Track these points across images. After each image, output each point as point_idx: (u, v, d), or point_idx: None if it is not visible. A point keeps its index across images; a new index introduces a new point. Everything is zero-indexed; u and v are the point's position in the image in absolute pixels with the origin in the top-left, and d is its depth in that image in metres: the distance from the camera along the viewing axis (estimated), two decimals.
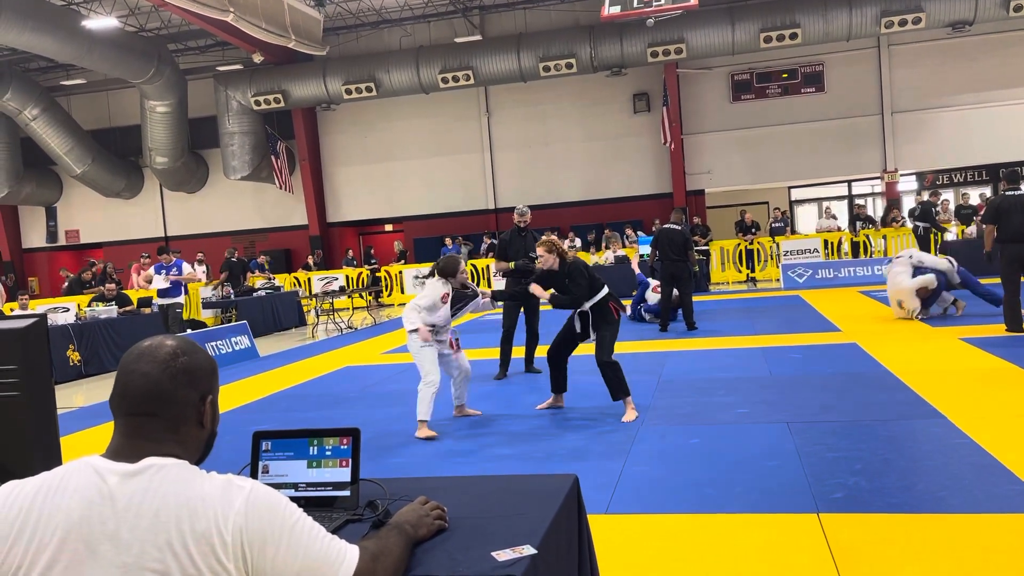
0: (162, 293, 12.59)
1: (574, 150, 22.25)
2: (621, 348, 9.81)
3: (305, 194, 23.21)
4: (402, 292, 20.24)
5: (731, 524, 3.88)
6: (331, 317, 14.65)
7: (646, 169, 22.05)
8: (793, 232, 19.95)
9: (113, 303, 12.19)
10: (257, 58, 19.87)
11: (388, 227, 24.32)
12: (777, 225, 19.19)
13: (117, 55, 18.54)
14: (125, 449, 1.47)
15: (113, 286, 12.58)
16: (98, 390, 10.05)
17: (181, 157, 22.15)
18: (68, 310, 12.78)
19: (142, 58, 19.34)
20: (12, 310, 12.02)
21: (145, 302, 12.67)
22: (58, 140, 21.78)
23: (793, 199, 23.60)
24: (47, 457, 2.31)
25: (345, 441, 2.17)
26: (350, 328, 14.61)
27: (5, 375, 2.22)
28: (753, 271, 18.54)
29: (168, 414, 1.52)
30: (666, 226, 11.23)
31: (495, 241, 21.26)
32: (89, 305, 12.42)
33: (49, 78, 22.53)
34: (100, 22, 17.08)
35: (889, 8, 17.99)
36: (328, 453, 2.17)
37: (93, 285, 15.54)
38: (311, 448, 2.18)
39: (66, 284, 16.99)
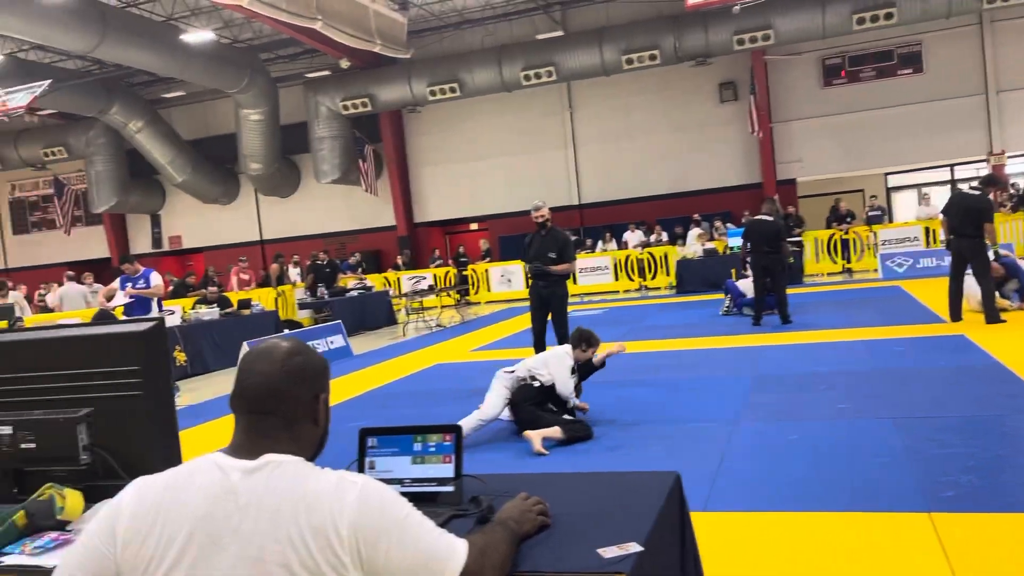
0: (128, 311, 10.05)
1: (659, 142, 21.96)
2: (714, 343, 9.69)
3: (392, 195, 23.65)
4: (488, 290, 20.40)
5: (837, 522, 3.76)
6: (420, 316, 14.89)
7: (734, 159, 21.57)
8: (891, 220, 19.15)
9: (215, 305, 12.70)
10: (344, 64, 20.35)
11: (473, 226, 24.53)
12: (874, 213, 18.48)
13: (213, 67, 19.29)
14: (245, 446, 1.54)
15: (215, 289, 13.09)
16: (202, 389, 10.48)
17: (274, 163, 22.88)
18: (173, 312, 13.33)
19: (236, 68, 20.07)
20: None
21: (245, 304, 13.11)
22: (161, 151, 22.84)
23: (890, 186, 22.67)
24: (167, 453, 2.42)
25: (448, 437, 2.21)
26: (439, 326, 14.82)
27: (128, 375, 2.34)
28: (849, 262, 17.91)
29: (284, 412, 1.58)
30: (757, 217, 10.95)
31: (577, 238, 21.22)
32: (193, 308, 12.96)
33: (151, 91, 23.62)
34: (197, 36, 17.80)
35: None
36: (432, 449, 2.21)
37: (196, 288, 16.22)
38: (415, 444, 2.22)
39: (171, 288, 17.79)
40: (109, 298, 10.71)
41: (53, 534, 2.21)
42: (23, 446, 2.38)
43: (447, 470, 2.17)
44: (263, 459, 1.50)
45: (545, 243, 7.68)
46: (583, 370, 6.06)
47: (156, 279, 10.11)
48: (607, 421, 6.06)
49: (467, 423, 5.78)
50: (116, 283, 10.44)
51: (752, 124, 20.29)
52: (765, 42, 18.75)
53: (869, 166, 20.97)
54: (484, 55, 20.70)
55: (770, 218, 10.71)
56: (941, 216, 9.77)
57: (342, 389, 8.96)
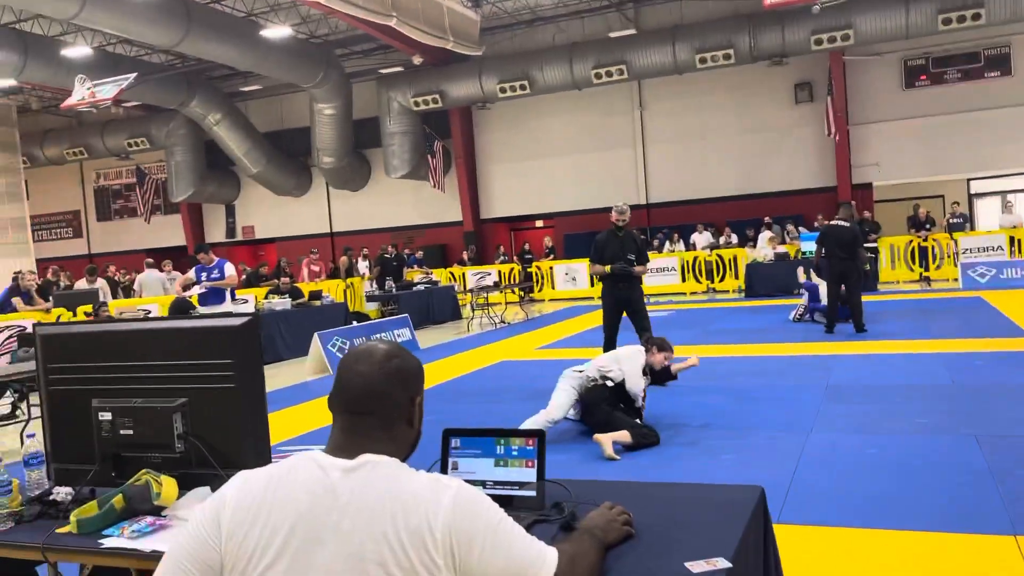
0: (203, 300, 10.36)
1: (730, 143, 21.60)
2: (784, 350, 9.50)
3: (460, 191, 23.82)
4: (552, 288, 20.39)
5: (918, 541, 3.66)
6: (485, 311, 14.97)
7: (808, 162, 21.09)
8: (973, 228, 18.46)
9: (287, 296, 12.99)
10: (417, 60, 20.56)
11: (539, 223, 24.55)
12: (956, 221, 17.84)
13: (290, 61, 19.72)
14: (344, 445, 1.57)
15: (287, 280, 13.38)
16: (275, 377, 10.72)
17: (345, 157, 23.28)
18: (247, 301, 13.67)
19: (312, 63, 20.48)
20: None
21: (315, 295, 13.37)
22: (237, 142, 23.46)
23: (973, 192, 21.86)
24: (258, 444, 2.49)
25: (531, 442, 2.22)
26: (503, 323, 14.87)
27: (223, 368, 2.41)
28: (927, 270, 17.34)
29: (382, 413, 1.61)
30: (833, 222, 10.68)
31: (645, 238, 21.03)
32: (266, 298, 13.28)
33: (229, 85, 24.25)
34: (275, 31, 18.21)
35: None
36: (515, 453, 2.22)
37: (269, 278, 16.62)
38: (498, 447, 2.24)
39: (244, 277, 18.27)
40: (186, 287, 10.96)
41: (149, 519, 2.30)
42: (122, 432, 2.47)
43: (530, 474, 2.19)
44: (361, 459, 1.53)
45: (624, 244, 7.66)
46: (654, 376, 5.99)
47: (230, 269, 10.34)
48: (675, 426, 6.00)
49: (533, 423, 5.78)
50: (192, 273, 10.70)
51: (828, 126, 19.80)
52: (845, 42, 18.27)
53: (951, 171, 20.26)
54: (555, 53, 20.67)
55: (846, 224, 10.44)
56: None
57: None
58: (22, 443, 5.41)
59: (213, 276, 10.02)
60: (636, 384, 5.73)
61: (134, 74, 18.25)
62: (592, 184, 22.75)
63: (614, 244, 7.62)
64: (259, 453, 2.44)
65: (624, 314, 7.91)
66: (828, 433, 5.62)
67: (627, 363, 5.79)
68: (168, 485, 2.35)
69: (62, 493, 2.53)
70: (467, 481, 2.18)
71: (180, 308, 10.61)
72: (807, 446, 5.31)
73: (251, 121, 24.36)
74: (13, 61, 17.42)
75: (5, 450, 6.75)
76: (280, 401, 8.48)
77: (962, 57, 19.66)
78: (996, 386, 6.77)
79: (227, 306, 10.05)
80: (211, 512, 1.54)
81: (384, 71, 22.63)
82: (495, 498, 2.13)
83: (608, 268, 7.57)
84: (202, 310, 10.10)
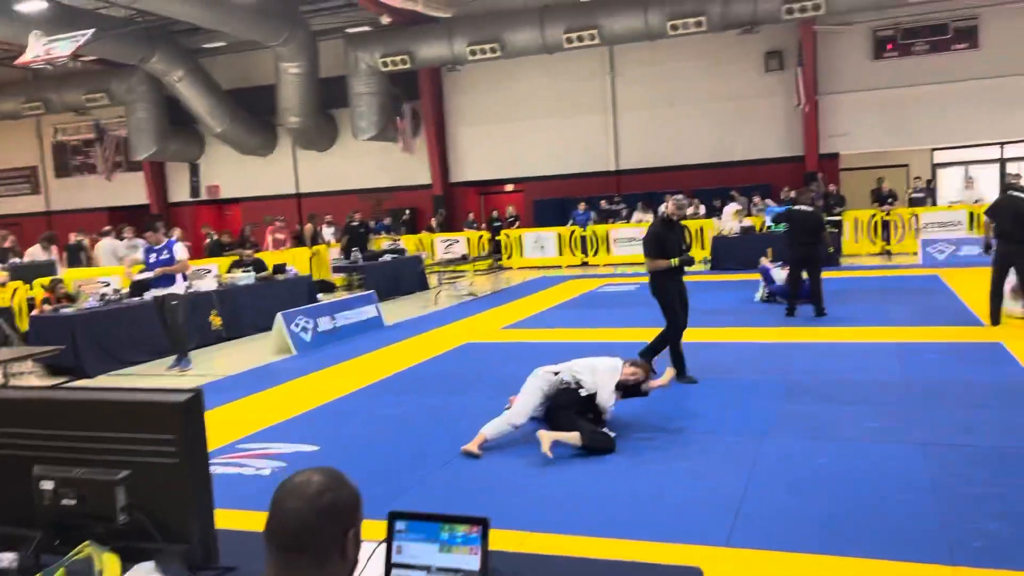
0: (153, 282, 9.78)
1: (700, 111, 21.55)
2: (748, 336, 9.63)
3: (429, 154, 23.57)
4: (521, 255, 20.38)
5: (859, 571, 3.77)
6: (452, 283, 14.96)
7: (776, 131, 21.13)
8: (935, 203, 18.70)
9: (251, 268, 12.85)
10: (385, 20, 20.10)
11: (509, 187, 24.42)
12: (917, 196, 18.06)
13: (254, 19, 19.20)
14: None
15: (250, 252, 13.22)
16: (238, 355, 10.69)
17: (312, 117, 22.87)
18: (210, 271, 13.52)
19: (277, 21, 19.97)
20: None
21: (280, 268, 13.25)
22: (200, 100, 22.91)
23: (936, 162, 22.09)
24: (202, 518, 2.48)
25: (475, 529, 2.23)
26: (471, 295, 14.88)
27: (166, 443, 2.39)
28: (889, 243, 17.59)
29: (315, 550, 1.61)
30: (797, 208, 10.76)
31: (613, 207, 21.06)
32: (229, 271, 13.14)
33: (193, 41, 23.56)
34: None
35: None
36: (458, 540, 2.24)
37: (232, 247, 16.42)
38: (443, 532, 2.25)
39: (207, 243, 18.03)
40: (131, 268, 10.62)
41: None
42: (64, 503, 2.45)
43: (473, 562, 2.20)
44: None
45: (680, 236, 7.83)
46: (626, 391, 5.99)
47: (181, 252, 9.74)
48: (633, 426, 6.07)
49: (496, 427, 5.82)
50: (140, 253, 10.24)
51: (798, 96, 19.81)
52: (816, 12, 18.17)
53: (916, 142, 20.45)
54: (526, 15, 20.34)
55: (810, 208, 10.53)
56: (986, 218, 9.52)
57: (372, 368, 9.08)
58: None
59: (163, 258, 9.53)
60: (607, 399, 5.78)
61: (92, 30, 17.63)
62: (563, 149, 22.63)
63: (672, 237, 7.66)
64: (203, 527, 2.44)
65: None
66: (781, 439, 5.73)
67: (603, 376, 5.82)
68: (111, 563, 2.34)
69: (7, 560, 2.51)
70: (412, 566, 2.22)
71: (137, 288, 10.46)
72: (760, 454, 5.41)
73: (215, 79, 23.77)
74: None
75: None
76: (241, 387, 8.46)
77: (930, 29, 19.69)
78: (946, 384, 6.92)
79: (178, 288, 9.76)
80: None
81: (351, 30, 22.13)
82: None
83: (675, 261, 7.52)
84: (154, 293, 9.82)
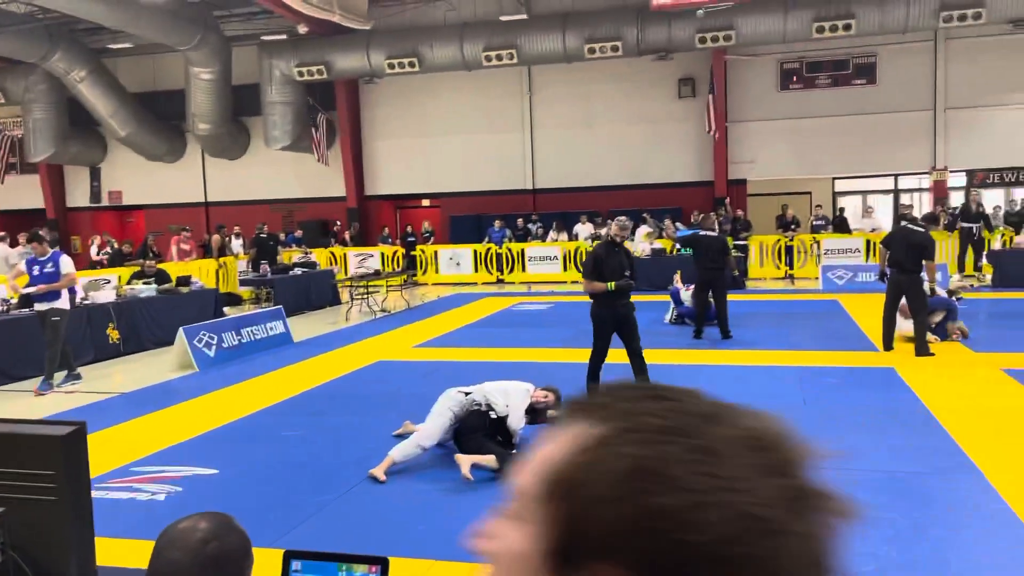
0: (36, 297, 9.11)
1: (616, 133, 21.97)
2: (656, 357, 9.79)
3: (344, 166, 23.25)
4: (436, 272, 20.29)
5: None
6: (365, 298, 14.74)
7: (688, 156, 21.74)
8: (836, 229, 19.55)
9: (152, 280, 12.37)
10: (301, 29, 19.81)
11: (425, 202, 24.31)
12: (818, 223, 18.85)
13: (164, 21, 18.61)
14: None
15: (153, 262, 12.73)
16: (136, 371, 10.25)
17: (223, 124, 22.28)
18: (109, 282, 12.96)
19: (189, 24, 19.40)
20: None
21: (184, 280, 12.80)
22: (104, 102, 22.03)
23: (837, 190, 23.13)
24: (82, 558, 2.35)
25: (374, 569, 2.18)
26: (384, 311, 14.70)
27: (46, 479, 2.26)
28: (792, 268, 18.27)
29: None
30: (703, 233, 11.07)
31: (531, 226, 21.22)
32: (129, 282, 12.61)
33: (97, 40, 22.67)
34: None
35: (949, 1, 17.40)
36: None
37: (133, 258, 15.77)
38: (340, 572, 2.19)
39: (107, 254, 17.29)
40: (18, 280, 9.93)
41: None
42: None
43: None
44: None
45: (622, 259, 7.28)
46: (534, 416, 5.92)
47: (67, 265, 9.05)
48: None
49: (404, 449, 5.74)
50: (23, 265, 9.55)
51: (709, 122, 20.44)
52: (727, 42, 18.84)
53: (818, 172, 21.37)
54: (446, 31, 20.37)
55: (714, 233, 10.84)
56: (881, 248, 9.99)
57: (280, 385, 8.84)
58: None
59: (47, 270, 8.88)
60: (517, 423, 5.77)
61: None
62: (480, 166, 22.70)
63: (613, 259, 7.22)
64: (83, 568, 2.31)
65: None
66: None
67: (516, 399, 5.81)
68: None
69: None
70: None
71: (25, 300, 9.91)
72: None
73: (120, 80, 22.92)
74: None
75: None
76: (138, 405, 8.11)
77: (833, 63, 20.66)
78: (842, 408, 7.20)
79: (63, 303, 9.13)
80: None
81: (266, 37, 21.70)
82: None
83: (612, 285, 7.07)
84: (37, 307, 9.18)
